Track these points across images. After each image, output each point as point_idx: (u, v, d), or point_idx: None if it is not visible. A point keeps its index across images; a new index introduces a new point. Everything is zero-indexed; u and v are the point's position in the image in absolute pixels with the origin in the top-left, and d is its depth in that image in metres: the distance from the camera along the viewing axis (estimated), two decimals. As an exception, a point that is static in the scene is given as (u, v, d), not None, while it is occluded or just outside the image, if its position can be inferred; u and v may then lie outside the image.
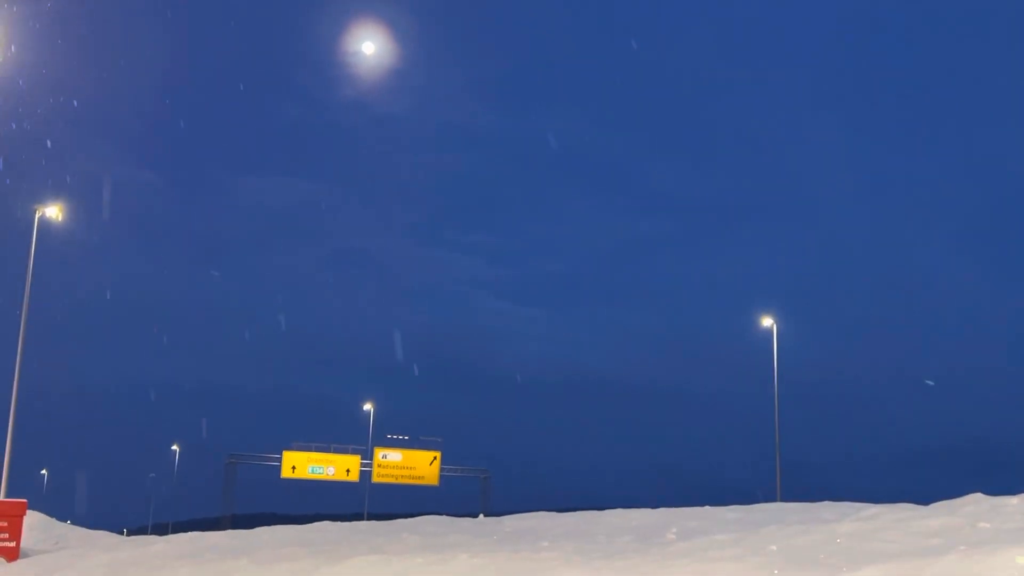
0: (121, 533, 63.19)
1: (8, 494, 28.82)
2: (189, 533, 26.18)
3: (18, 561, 22.08)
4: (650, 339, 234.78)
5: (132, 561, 18.67)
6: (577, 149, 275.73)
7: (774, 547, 11.79)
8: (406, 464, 70.71)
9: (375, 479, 70.20)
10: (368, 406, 71.99)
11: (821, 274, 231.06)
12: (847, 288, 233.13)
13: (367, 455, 70.34)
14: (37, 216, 31.78)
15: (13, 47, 27.06)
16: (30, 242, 31.33)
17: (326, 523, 24.60)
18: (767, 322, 45.65)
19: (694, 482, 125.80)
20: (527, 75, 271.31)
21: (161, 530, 77.16)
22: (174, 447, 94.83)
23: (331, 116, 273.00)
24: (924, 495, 18.80)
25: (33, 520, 54.41)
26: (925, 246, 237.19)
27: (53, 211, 32.38)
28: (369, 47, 36.67)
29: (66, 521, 60.65)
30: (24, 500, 24.17)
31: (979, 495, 15.35)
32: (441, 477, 71.61)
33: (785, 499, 34.75)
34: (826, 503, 20.42)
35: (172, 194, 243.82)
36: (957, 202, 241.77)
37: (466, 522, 22.41)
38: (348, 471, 69.89)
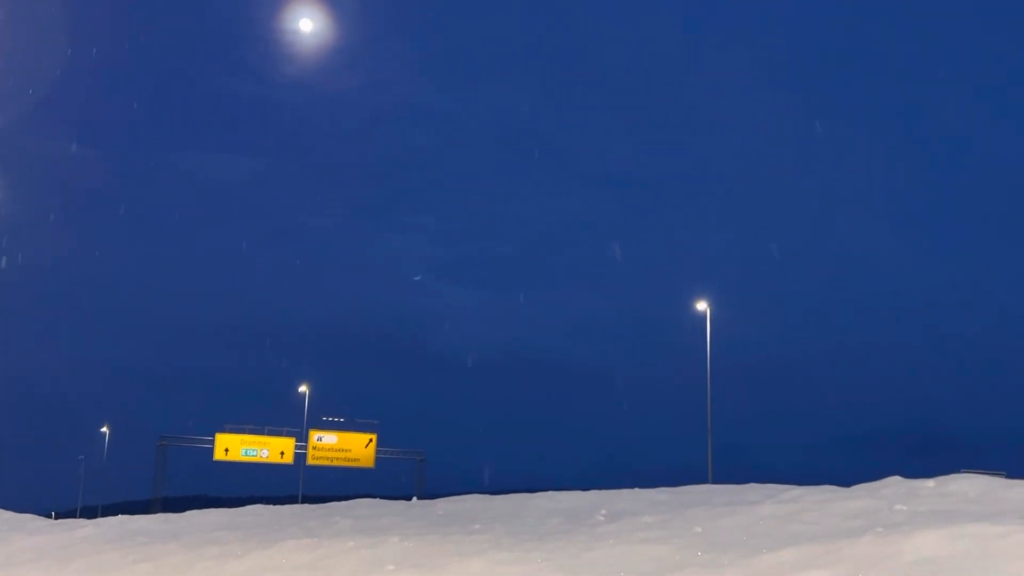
0: (49, 516, 62.06)
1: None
2: (118, 516, 25.83)
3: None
4: (588, 322, 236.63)
5: (59, 545, 18.43)
6: (522, 129, 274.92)
7: (699, 528, 12.05)
8: (342, 446, 70.38)
9: (310, 461, 69.74)
10: (303, 388, 71.49)
11: (760, 258, 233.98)
12: (784, 273, 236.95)
13: (302, 437, 69.88)
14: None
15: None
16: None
17: (258, 506, 24.48)
18: (701, 306, 46.29)
19: (628, 464, 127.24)
20: (472, 54, 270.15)
21: (90, 513, 75.86)
22: (104, 429, 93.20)
23: (271, 92, 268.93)
24: (847, 477, 19.33)
25: (-44, 503, 52.89)
26: (861, 232, 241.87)
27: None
28: (307, 24, 36.21)
29: (-9, 504, 59.52)
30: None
31: (897, 478, 15.83)
32: (377, 459, 71.40)
33: (717, 480, 35.40)
34: (752, 485, 20.80)
35: (105, 168, 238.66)
36: (893, 188, 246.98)
37: (399, 505, 22.45)
38: (282, 453, 69.36)
